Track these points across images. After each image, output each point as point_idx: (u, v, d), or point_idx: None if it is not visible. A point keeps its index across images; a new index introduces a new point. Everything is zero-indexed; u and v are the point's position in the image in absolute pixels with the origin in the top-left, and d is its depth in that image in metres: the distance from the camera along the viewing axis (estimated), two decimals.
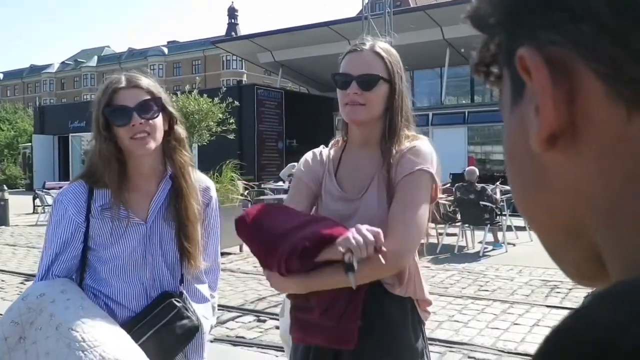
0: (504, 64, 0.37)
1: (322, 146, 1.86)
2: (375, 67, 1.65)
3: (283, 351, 2.36)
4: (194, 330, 1.75)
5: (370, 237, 1.38)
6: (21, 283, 6.90)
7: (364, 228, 1.41)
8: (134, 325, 1.66)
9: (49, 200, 13.79)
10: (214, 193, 1.95)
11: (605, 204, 0.32)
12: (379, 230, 1.41)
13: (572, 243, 0.36)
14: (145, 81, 1.75)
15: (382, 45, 1.70)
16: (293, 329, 1.68)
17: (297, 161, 1.90)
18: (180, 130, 1.82)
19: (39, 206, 15.25)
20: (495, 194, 9.29)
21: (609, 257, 0.33)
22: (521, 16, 0.34)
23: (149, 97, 1.71)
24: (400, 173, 1.62)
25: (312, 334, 1.62)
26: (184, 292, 1.80)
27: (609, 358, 0.25)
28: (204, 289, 1.89)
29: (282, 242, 1.48)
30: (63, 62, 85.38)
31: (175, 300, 1.74)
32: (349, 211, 1.68)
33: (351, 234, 1.39)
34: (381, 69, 1.66)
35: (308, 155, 1.83)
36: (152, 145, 1.70)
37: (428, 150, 1.65)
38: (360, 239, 1.38)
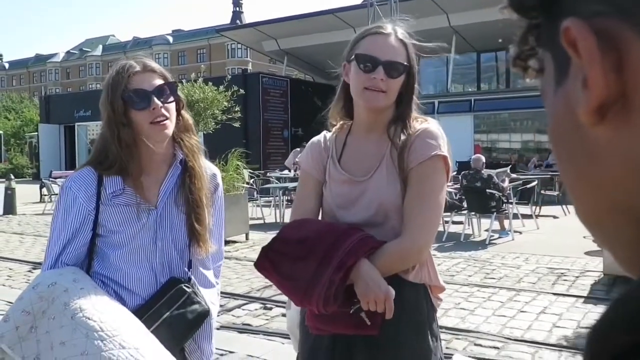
0: (546, 47, 0.36)
1: (324, 131, 1.84)
2: (400, 54, 1.64)
3: (289, 338, 2.36)
4: (205, 315, 1.75)
5: (382, 306, 1.50)
6: (29, 271, 6.94)
7: (383, 294, 1.48)
8: (145, 312, 1.65)
9: (56, 189, 13.85)
10: (220, 180, 1.95)
11: None
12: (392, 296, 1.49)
13: (624, 222, 0.34)
14: (157, 66, 1.74)
15: (403, 32, 1.68)
16: (310, 318, 1.65)
17: (303, 149, 1.89)
18: (187, 115, 1.82)
19: (45, 195, 15.34)
20: (503, 181, 9.25)
21: None
22: None
23: (163, 81, 1.70)
24: (414, 159, 1.60)
25: (334, 322, 1.60)
26: (192, 277, 1.79)
27: None
28: (209, 275, 1.89)
29: (312, 288, 1.53)
30: (68, 52, 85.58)
31: (184, 285, 1.73)
32: (356, 194, 1.67)
33: (373, 294, 1.48)
34: (404, 56, 1.64)
35: (310, 144, 1.83)
36: (171, 130, 1.70)
37: (439, 132, 1.65)
38: (376, 299, 1.49)
